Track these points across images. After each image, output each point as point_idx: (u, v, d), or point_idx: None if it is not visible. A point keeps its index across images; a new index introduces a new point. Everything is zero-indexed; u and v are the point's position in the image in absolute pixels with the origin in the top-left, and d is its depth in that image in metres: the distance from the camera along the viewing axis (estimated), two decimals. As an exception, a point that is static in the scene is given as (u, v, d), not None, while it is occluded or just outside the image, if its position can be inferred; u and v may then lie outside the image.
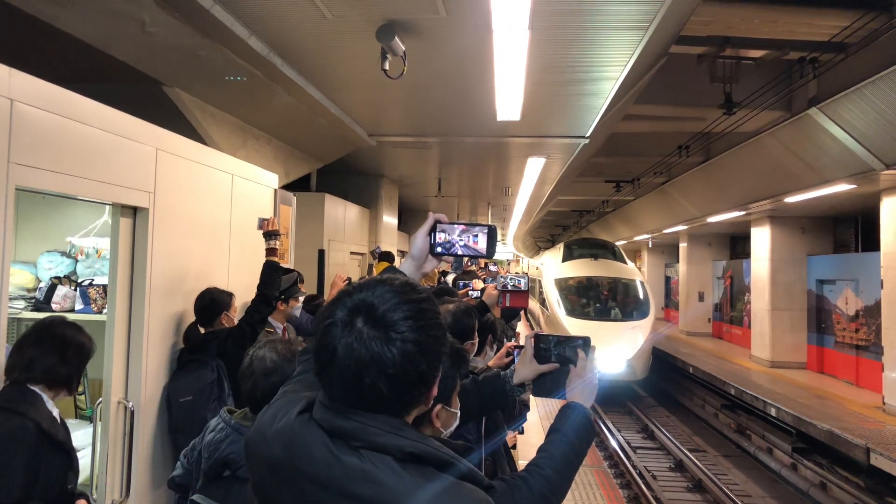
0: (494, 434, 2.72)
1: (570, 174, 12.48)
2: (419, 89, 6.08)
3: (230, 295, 3.94)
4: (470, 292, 5.09)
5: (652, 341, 15.56)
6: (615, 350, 14.33)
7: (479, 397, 2.06)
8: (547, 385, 1.93)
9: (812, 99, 9.48)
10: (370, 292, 1.23)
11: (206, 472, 2.22)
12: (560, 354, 1.93)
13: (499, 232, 27.07)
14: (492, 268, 10.84)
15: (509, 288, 3.70)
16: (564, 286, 16.88)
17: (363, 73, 5.46)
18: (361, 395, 1.17)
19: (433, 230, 1.71)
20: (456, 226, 1.72)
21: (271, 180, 5.34)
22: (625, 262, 18.20)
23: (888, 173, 8.92)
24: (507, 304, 3.77)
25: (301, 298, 5.52)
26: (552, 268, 18.41)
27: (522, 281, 3.73)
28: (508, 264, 44.28)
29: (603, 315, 16.12)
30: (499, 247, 36.96)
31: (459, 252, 1.71)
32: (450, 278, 6.12)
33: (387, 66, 4.67)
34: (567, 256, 18.29)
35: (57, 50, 4.63)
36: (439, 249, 1.71)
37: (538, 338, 1.96)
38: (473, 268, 11.74)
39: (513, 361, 3.14)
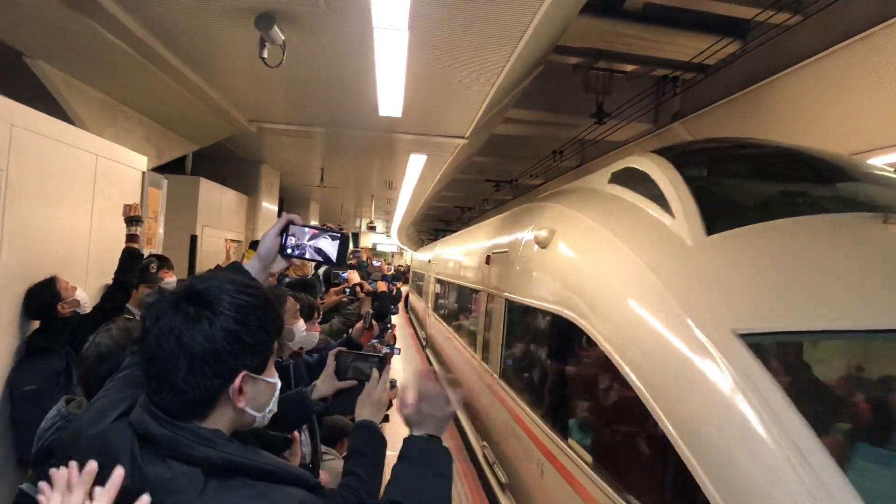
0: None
1: (451, 172, 12.72)
2: (301, 79, 6.04)
3: (50, 282, 3.63)
4: (346, 289, 5.18)
5: None
6: None
7: (280, 415, 2.13)
8: (344, 402, 1.95)
9: (676, 114, 10.17)
10: (199, 280, 1.29)
11: (34, 461, 2.15)
12: (357, 372, 1.94)
13: (382, 224, 27.10)
14: (375, 263, 10.81)
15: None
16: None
17: (243, 59, 5.36)
18: (164, 374, 1.21)
19: (285, 231, 1.68)
20: (307, 229, 1.68)
21: (140, 162, 5.17)
22: None
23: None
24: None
25: (170, 284, 5.37)
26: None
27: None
28: (392, 257, 44.38)
29: None
30: (383, 239, 36.99)
31: (308, 256, 1.69)
32: (321, 270, 6.15)
33: (265, 55, 4.64)
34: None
35: None
36: (289, 251, 1.68)
37: (339, 355, 2.01)
38: (353, 260, 11.66)
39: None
